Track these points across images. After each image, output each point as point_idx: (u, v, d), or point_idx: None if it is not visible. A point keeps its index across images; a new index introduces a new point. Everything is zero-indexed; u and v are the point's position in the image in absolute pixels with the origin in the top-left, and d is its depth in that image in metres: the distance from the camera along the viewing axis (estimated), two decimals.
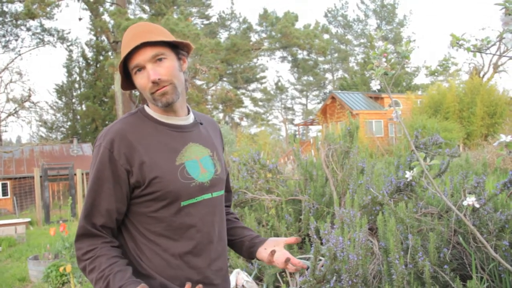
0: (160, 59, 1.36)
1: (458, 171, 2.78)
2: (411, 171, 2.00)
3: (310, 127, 34.02)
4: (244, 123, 45.74)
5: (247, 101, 45.45)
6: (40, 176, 15.50)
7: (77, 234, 1.36)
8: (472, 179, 2.53)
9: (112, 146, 1.33)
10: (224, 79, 39.80)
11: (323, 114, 29.04)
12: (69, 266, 4.78)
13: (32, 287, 6.32)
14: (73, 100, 41.37)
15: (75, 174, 16.47)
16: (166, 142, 1.41)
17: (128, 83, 1.44)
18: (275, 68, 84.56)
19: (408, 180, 2.21)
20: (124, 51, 1.36)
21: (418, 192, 3.28)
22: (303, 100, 55.33)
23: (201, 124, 1.56)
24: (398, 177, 3.39)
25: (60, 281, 5.87)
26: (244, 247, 1.63)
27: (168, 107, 1.42)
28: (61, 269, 5.17)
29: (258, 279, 3.96)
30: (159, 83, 1.36)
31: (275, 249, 1.50)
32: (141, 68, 1.36)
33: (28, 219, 14.00)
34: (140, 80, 1.37)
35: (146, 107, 1.47)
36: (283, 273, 3.79)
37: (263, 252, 1.56)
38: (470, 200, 1.82)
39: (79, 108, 40.56)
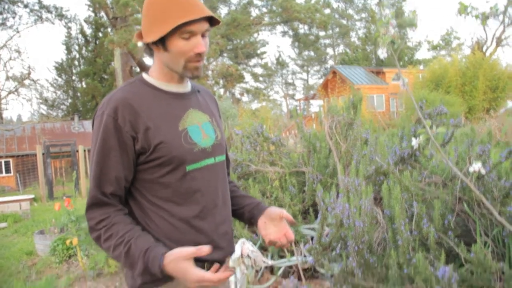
0: (205, 35, 1.39)
1: (462, 141, 2.79)
2: (417, 138, 2.01)
3: (311, 102, 33.91)
4: (245, 98, 45.63)
5: (247, 77, 45.27)
6: (43, 153, 15.55)
7: (88, 204, 1.35)
8: (477, 148, 2.54)
9: (116, 114, 1.33)
10: (225, 54, 39.51)
11: (324, 89, 28.93)
12: (75, 239, 4.84)
13: (39, 260, 6.40)
14: (73, 78, 41.20)
15: (77, 151, 16.52)
16: (167, 108, 1.42)
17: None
18: (276, 43, 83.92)
19: (414, 147, 2.22)
20: (186, 14, 1.32)
21: (422, 162, 3.30)
22: (304, 76, 55.09)
23: (198, 92, 1.58)
24: (402, 147, 3.40)
25: (66, 254, 5.95)
26: (245, 218, 1.67)
27: (183, 77, 1.46)
28: (67, 242, 5.24)
29: (262, 248, 4.01)
30: (201, 56, 1.38)
31: (273, 239, 1.57)
32: (191, 35, 1.35)
33: (32, 196, 14.09)
34: (185, 46, 1.36)
35: (144, 75, 1.47)
36: None
37: (261, 228, 1.60)
38: (477, 166, 1.83)
39: (79, 86, 40.42)
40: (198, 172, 1.42)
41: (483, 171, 1.84)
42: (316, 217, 4.10)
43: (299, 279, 3.69)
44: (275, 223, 1.58)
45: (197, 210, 1.41)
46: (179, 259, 1.24)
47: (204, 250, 1.24)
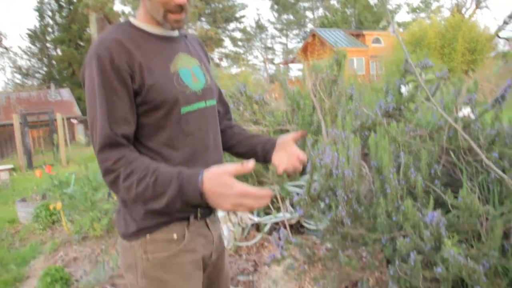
0: None
1: (448, 93, 2.79)
2: (406, 86, 1.99)
3: (291, 66, 33.71)
4: (224, 63, 45.19)
5: (226, 41, 44.76)
6: (20, 123, 15.26)
7: (100, 145, 1.25)
8: (463, 98, 2.54)
9: (111, 54, 1.26)
10: (203, 19, 38.81)
11: (303, 52, 28.74)
12: (59, 203, 4.79)
13: (23, 228, 6.34)
14: (47, 45, 40.09)
15: (55, 120, 16.23)
16: (158, 50, 1.38)
17: None
18: (255, 6, 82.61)
19: (404, 95, 2.21)
20: None
21: (407, 116, 3.30)
22: (283, 40, 54.64)
23: (185, 37, 1.55)
24: (387, 101, 3.39)
25: (50, 220, 5.90)
26: (259, 156, 1.66)
27: None
28: (51, 206, 5.18)
29: None
30: (183, 8, 1.34)
31: (286, 168, 1.59)
32: None
33: (10, 166, 13.88)
34: None
35: (132, 19, 1.42)
36: (274, 200, 3.86)
37: (276, 160, 1.62)
38: (466, 111, 1.83)
39: (54, 53, 39.40)
40: (191, 116, 1.39)
41: (472, 116, 1.84)
42: (301, 174, 4.12)
43: None
44: (287, 149, 1.60)
45: (190, 154, 1.39)
46: (223, 173, 1.15)
47: (250, 165, 1.15)
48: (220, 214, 3.73)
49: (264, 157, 1.65)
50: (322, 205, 2.37)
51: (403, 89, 1.98)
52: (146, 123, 1.34)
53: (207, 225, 1.48)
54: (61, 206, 4.77)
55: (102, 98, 1.26)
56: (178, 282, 1.37)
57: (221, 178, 1.14)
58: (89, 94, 1.29)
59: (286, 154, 1.60)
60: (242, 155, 1.71)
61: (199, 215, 1.41)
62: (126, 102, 1.28)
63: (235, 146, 1.69)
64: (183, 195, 1.17)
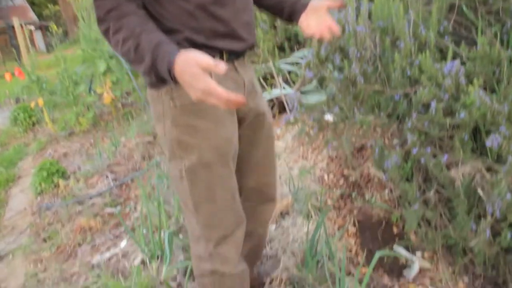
0: None
1: None
2: None
3: None
4: None
5: None
6: None
7: None
8: None
9: None
10: None
11: None
12: (40, 100, 4.59)
13: (1, 133, 6.16)
14: None
15: (12, 26, 15.23)
16: None
17: None
18: None
19: None
20: None
21: None
22: None
23: None
24: None
25: (29, 122, 5.71)
26: (284, 13, 1.54)
27: None
28: (32, 104, 4.97)
29: None
30: None
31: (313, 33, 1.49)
32: None
33: None
34: None
35: None
36: (267, 77, 3.78)
37: (304, 22, 1.50)
38: None
39: None
40: None
41: None
42: (291, 50, 4.03)
43: (280, 112, 3.69)
44: (318, 15, 1.47)
45: None
46: (194, 64, 1.02)
47: (221, 67, 1.01)
48: None
49: (289, 16, 1.53)
50: (333, 65, 2.29)
51: None
52: None
53: (235, 68, 1.37)
54: (43, 103, 4.58)
55: None
56: (211, 127, 1.30)
57: (191, 67, 1.03)
58: None
59: (317, 20, 1.47)
60: (267, 8, 1.56)
61: (225, 57, 1.30)
62: None
63: None
64: (156, 70, 1.09)
